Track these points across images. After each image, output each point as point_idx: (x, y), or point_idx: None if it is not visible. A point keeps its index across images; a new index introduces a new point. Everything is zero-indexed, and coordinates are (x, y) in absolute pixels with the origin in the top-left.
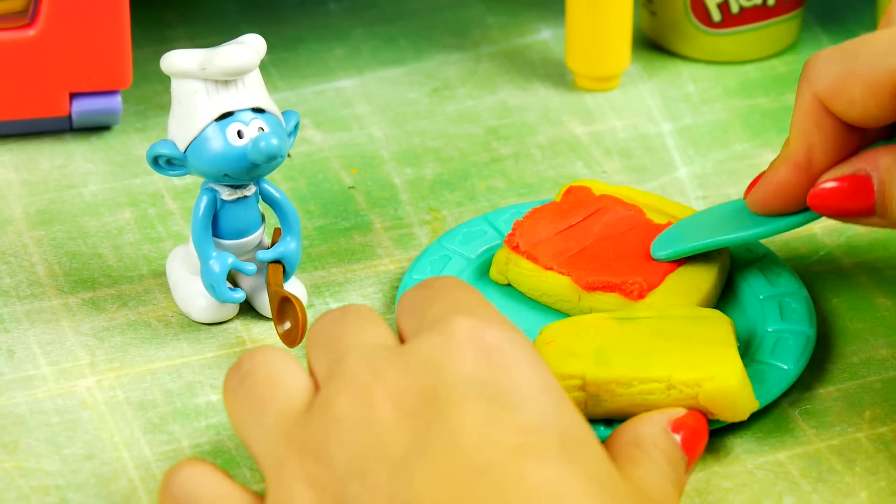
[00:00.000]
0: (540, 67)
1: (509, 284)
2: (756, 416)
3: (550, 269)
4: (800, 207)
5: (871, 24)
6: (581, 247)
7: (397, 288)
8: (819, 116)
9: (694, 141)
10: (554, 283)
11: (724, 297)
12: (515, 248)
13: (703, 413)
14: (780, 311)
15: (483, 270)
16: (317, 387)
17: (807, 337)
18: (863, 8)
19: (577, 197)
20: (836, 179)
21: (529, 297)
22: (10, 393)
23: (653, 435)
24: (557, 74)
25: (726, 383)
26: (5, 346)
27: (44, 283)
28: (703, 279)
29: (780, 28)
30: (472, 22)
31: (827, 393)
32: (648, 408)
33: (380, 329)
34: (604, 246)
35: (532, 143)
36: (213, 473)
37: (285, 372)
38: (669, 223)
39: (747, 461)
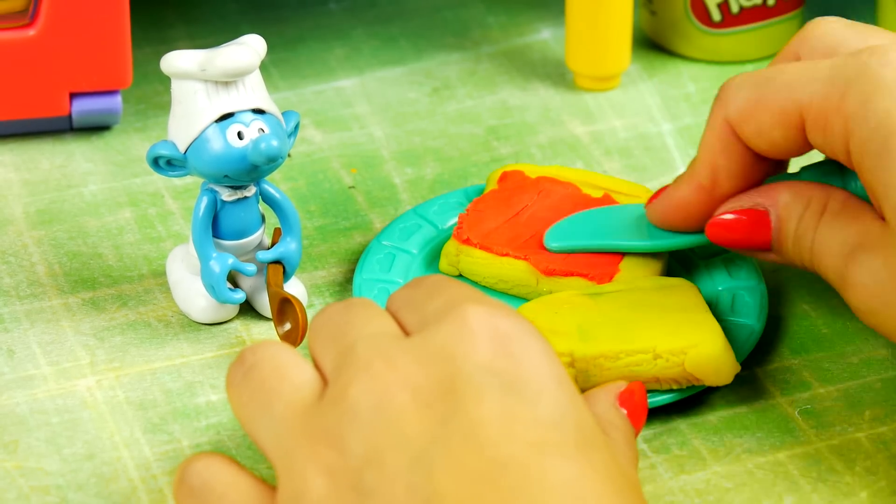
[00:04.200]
0: (540, 67)
1: (460, 276)
2: (756, 416)
3: (506, 255)
4: (699, 227)
5: (872, 22)
6: (532, 231)
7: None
8: (728, 141)
9: (694, 141)
10: (510, 269)
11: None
12: (466, 242)
13: (689, 379)
14: (726, 270)
15: (428, 263)
16: (323, 379)
17: (760, 291)
18: (863, 8)
19: (514, 182)
20: (735, 212)
21: (483, 286)
22: (10, 393)
23: (606, 413)
24: (557, 74)
25: (711, 349)
26: (5, 346)
27: (44, 282)
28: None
29: (780, 28)
30: (473, 22)
31: (827, 393)
32: (636, 379)
33: (385, 319)
34: None
35: (532, 143)
36: (227, 464)
37: (290, 365)
38: (606, 195)
39: (747, 461)
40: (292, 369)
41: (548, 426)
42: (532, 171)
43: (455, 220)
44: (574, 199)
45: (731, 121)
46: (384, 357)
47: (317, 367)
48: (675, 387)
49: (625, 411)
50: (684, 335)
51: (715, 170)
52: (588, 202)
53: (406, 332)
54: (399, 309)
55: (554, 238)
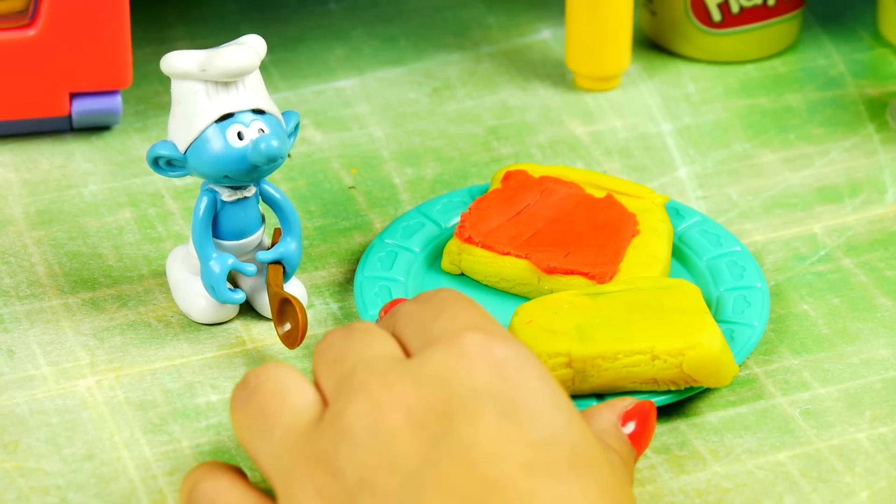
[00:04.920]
0: (540, 67)
1: (462, 274)
2: (756, 416)
3: (507, 254)
4: None
5: (871, 23)
6: (534, 230)
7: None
8: None
9: (694, 141)
10: (511, 268)
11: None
12: (468, 240)
13: (687, 381)
14: (728, 271)
15: (430, 262)
16: (324, 401)
17: (762, 293)
18: (863, 8)
19: (517, 181)
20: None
21: (485, 285)
22: (10, 393)
23: (605, 433)
24: (557, 74)
25: (709, 350)
26: (5, 346)
27: (44, 283)
28: (658, 248)
29: (781, 28)
30: (473, 22)
31: (827, 393)
32: (634, 380)
33: (387, 343)
34: (555, 227)
35: (532, 143)
36: (235, 484)
37: (292, 387)
38: (609, 195)
39: (747, 461)
40: (293, 392)
41: (540, 447)
42: (536, 170)
43: (458, 218)
44: (577, 199)
45: None
46: (381, 379)
47: (319, 390)
48: (672, 388)
49: (627, 431)
50: (683, 336)
51: None
52: (591, 202)
53: (408, 351)
54: (404, 328)
55: None
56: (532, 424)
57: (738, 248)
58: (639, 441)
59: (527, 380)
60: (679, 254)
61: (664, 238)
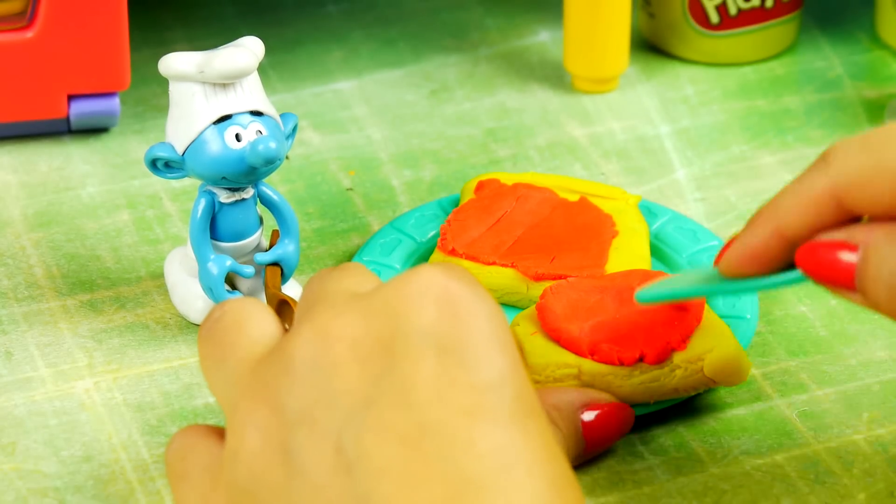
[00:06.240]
0: (538, 69)
1: None
2: (754, 418)
3: (493, 263)
4: (773, 272)
5: (869, 25)
6: (515, 237)
7: None
8: (829, 206)
9: (692, 143)
10: (499, 277)
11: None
12: (452, 252)
13: (708, 384)
14: (711, 265)
15: None
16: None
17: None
18: (861, 9)
19: (491, 190)
20: (825, 243)
21: None
22: (9, 395)
23: (557, 407)
24: (555, 76)
25: (727, 351)
26: (3, 348)
27: (42, 284)
28: (639, 247)
29: (779, 30)
30: (471, 24)
31: (825, 395)
32: (653, 394)
33: (363, 279)
34: (536, 233)
35: (530, 145)
36: (205, 435)
37: (252, 319)
38: (582, 199)
39: (745, 463)
40: (253, 323)
41: (482, 391)
42: (507, 178)
43: (435, 231)
44: (552, 204)
45: (838, 187)
46: (332, 311)
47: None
48: (692, 394)
49: (585, 419)
50: (698, 341)
51: (802, 228)
52: (566, 206)
53: None
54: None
55: (645, 294)
56: (475, 367)
57: (717, 243)
58: (592, 435)
59: (476, 319)
60: (657, 251)
61: (643, 237)
